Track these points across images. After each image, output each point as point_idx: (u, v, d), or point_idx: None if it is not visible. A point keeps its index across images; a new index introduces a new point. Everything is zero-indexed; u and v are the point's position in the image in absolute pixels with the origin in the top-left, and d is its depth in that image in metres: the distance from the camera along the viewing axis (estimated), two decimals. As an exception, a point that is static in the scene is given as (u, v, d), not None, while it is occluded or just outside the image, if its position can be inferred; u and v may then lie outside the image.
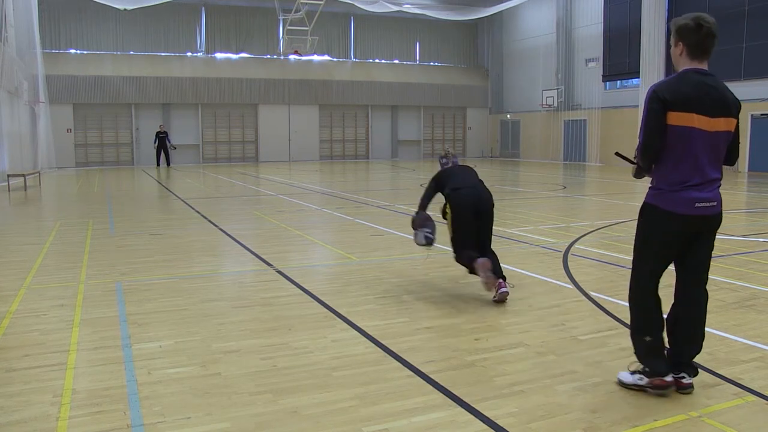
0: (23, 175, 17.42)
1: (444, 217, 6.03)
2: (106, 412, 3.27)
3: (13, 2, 19.94)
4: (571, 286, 5.99)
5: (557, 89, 30.08)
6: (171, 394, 3.51)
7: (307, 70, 32.12)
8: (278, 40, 31.28)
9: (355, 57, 33.80)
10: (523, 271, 6.60)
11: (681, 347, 3.53)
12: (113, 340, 4.43)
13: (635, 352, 3.58)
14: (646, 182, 3.65)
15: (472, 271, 5.46)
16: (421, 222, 6.19)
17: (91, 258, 7.41)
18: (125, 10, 26.73)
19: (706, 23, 3.27)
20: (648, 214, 3.51)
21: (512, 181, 20.30)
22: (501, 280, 5.36)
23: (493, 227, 5.90)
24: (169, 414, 3.26)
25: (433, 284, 6.15)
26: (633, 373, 3.54)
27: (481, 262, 5.31)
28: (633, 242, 3.69)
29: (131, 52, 29.54)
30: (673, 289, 3.63)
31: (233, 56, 31.21)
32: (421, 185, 17.77)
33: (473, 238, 5.68)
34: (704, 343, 3.57)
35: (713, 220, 3.43)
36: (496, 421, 3.17)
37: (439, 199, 6.18)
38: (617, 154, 3.96)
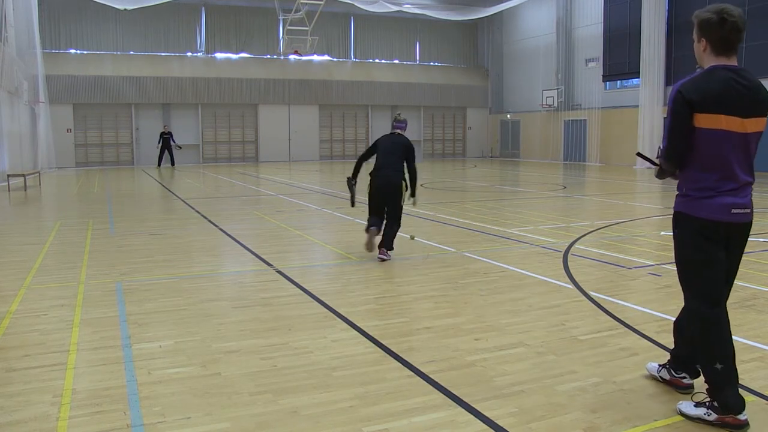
0: (23, 175, 17.41)
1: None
2: (106, 412, 3.27)
3: (13, 2, 19.93)
4: (571, 286, 5.99)
5: (557, 89, 30.07)
6: (171, 394, 3.51)
7: (307, 70, 32.12)
8: (278, 40, 31.27)
9: (355, 57, 33.80)
10: (523, 271, 6.60)
11: (690, 350, 3.42)
12: (113, 340, 4.43)
13: (705, 380, 3.24)
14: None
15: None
16: (349, 187, 7.98)
17: (91, 258, 7.41)
18: (125, 10, 26.73)
19: (731, 17, 3.03)
20: (683, 224, 3.26)
21: (512, 181, 20.30)
22: (383, 249, 7.25)
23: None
24: (169, 414, 3.26)
25: (433, 284, 6.15)
26: (698, 405, 3.21)
27: (371, 231, 7.33)
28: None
29: (131, 52, 29.53)
30: (673, 290, 3.62)
31: (233, 56, 31.20)
32: (421, 185, 17.77)
33: (378, 211, 7.48)
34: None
35: (746, 228, 3.20)
36: (496, 421, 3.17)
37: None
38: (639, 154, 3.75)
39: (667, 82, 24.90)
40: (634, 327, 4.68)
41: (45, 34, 26.49)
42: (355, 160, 7.99)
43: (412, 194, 7.64)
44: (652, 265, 6.92)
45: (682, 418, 3.21)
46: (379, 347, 4.27)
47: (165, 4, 27.54)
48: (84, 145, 28.35)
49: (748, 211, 3.15)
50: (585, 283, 6.09)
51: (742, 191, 3.12)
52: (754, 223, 3.26)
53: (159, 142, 27.25)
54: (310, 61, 32.13)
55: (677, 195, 3.30)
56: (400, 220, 7.51)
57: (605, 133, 27.87)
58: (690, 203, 3.19)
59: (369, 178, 7.59)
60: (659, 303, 5.33)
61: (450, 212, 11.50)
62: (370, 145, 7.86)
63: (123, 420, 3.19)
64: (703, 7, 3.21)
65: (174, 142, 27.46)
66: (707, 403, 3.17)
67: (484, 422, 3.17)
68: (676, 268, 3.35)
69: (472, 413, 3.27)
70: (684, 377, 3.49)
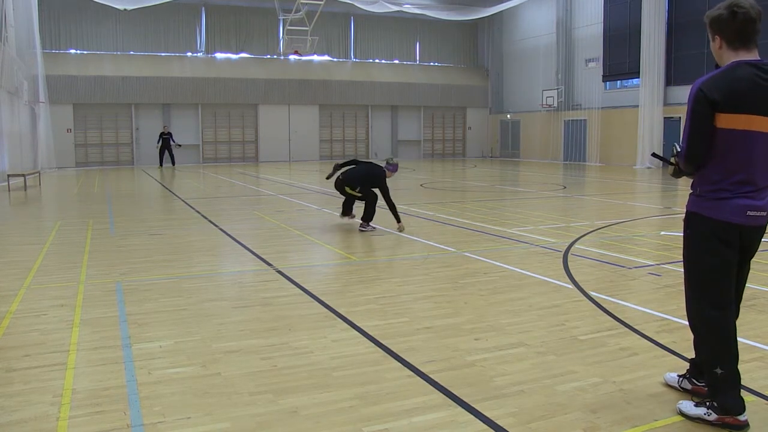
0: (23, 175, 17.41)
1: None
2: (106, 412, 3.27)
3: (13, 2, 19.94)
4: (571, 286, 5.99)
5: (557, 89, 30.07)
6: (171, 394, 3.51)
7: (307, 70, 32.13)
8: (278, 40, 31.28)
9: (355, 57, 33.81)
10: (523, 271, 6.60)
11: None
12: (113, 340, 4.43)
13: (705, 383, 3.25)
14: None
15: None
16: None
17: (91, 258, 7.41)
18: (125, 10, 26.73)
19: (740, 8, 2.93)
20: (695, 225, 3.14)
21: (512, 181, 20.31)
22: (362, 221, 9.42)
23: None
24: (169, 414, 3.26)
25: (433, 284, 6.15)
26: (698, 405, 3.20)
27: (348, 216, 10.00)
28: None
29: (131, 52, 29.54)
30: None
31: (233, 56, 31.21)
32: (421, 185, 17.77)
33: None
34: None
35: (761, 231, 3.11)
36: (496, 421, 3.17)
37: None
38: (654, 154, 3.69)
39: (667, 82, 24.91)
40: (634, 327, 4.68)
41: (45, 34, 26.49)
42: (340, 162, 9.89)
43: (397, 220, 9.27)
44: (652, 265, 6.92)
45: (682, 418, 3.21)
46: (379, 347, 4.27)
47: (165, 4, 27.54)
48: (84, 145, 28.36)
49: (765, 214, 3.05)
50: (585, 283, 6.09)
51: (759, 194, 3.02)
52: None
53: (158, 142, 27.25)
54: (310, 61, 32.14)
55: (691, 194, 3.20)
56: (369, 197, 9.45)
57: (605, 133, 27.87)
58: (704, 204, 3.08)
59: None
60: (659, 303, 5.32)
61: (450, 212, 11.50)
62: (352, 160, 9.89)
63: (123, 420, 3.19)
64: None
65: (174, 141, 27.47)
66: (707, 403, 3.16)
67: (484, 422, 3.17)
68: (683, 268, 3.29)
69: (472, 413, 3.27)
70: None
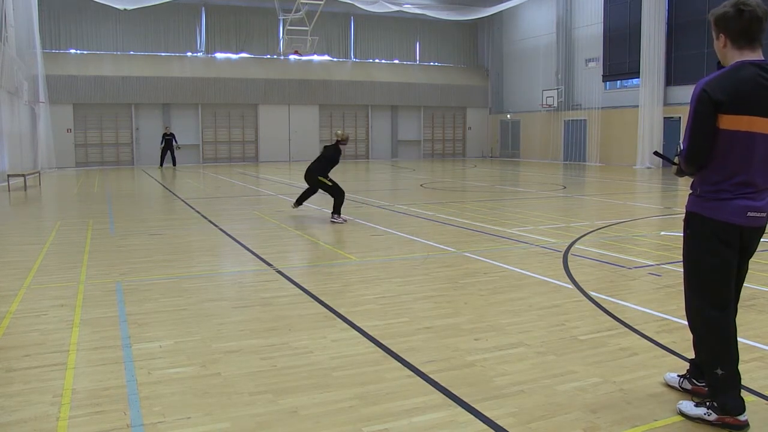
0: (23, 175, 17.41)
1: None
2: (106, 412, 3.27)
3: (13, 2, 19.93)
4: (571, 286, 5.99)
5: (557, 89, 30.07)
6: (171, 394, 3.51)
7: (307, 70, 32.13)
8: (278, 40, 31.28)
9: (355, 57, 33.81)
10: (523, 271, 6.60)
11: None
12: (113, 340, 4.43)
13: (706, 383, 3.26)
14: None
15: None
16: None
17: (91, 258, 7.41)
18: (125, 10, 26.73)
19: (747, 6, 2.90)
20: (695, 225, 3.12)
21: (512, 181, 20.30)
22: (333, 214, 10.32)
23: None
24: (169, 414, 3.26)
25: (433, 284, 6.15)
26: (698, 405, 3.19)
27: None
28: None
29: (131, 52, 29.54)
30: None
31: (233, 56, 31.20)
32: (421, 185, 17.76)
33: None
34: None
35: (761, 232, 3.10)
36: (496, 421, 3.17)
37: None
38: (656, 153, 3.65)
39: (667, 82, 24.91)
40: (634, 327, 4.68)
41: (45, 34, 26.49)
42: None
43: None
44: (652, 265, 6.92)
45: (682, 418, 3.21)
46: (379, 347, 4.27)
47: (165, 4, 27.55)
48: (84, 145, 28.35)
49: (764, 214, 3.05)
50: (585, 283, 6.09)
51: (759, 195, 3.02)
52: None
53: (162, 143, 27.26)
54: (310, 61, 32.14)
55: (690, 194, 3.19)
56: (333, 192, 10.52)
57: (605, 133, 27.87)
58: (705, 204, 3.07)
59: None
60: (659, 303, 5.32)
61: (450, 212, 11.50)
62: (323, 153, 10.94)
63: (123, 420, 3.19)
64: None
65: (176, 143, 27.50)
66: (707, 404, 3.16)
67: (484, 422, 3.17)
68: (683, 268, 3.29)
69: (472, 413, 3.27)
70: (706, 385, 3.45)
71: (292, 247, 8.32)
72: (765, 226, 3.12)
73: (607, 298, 5.52)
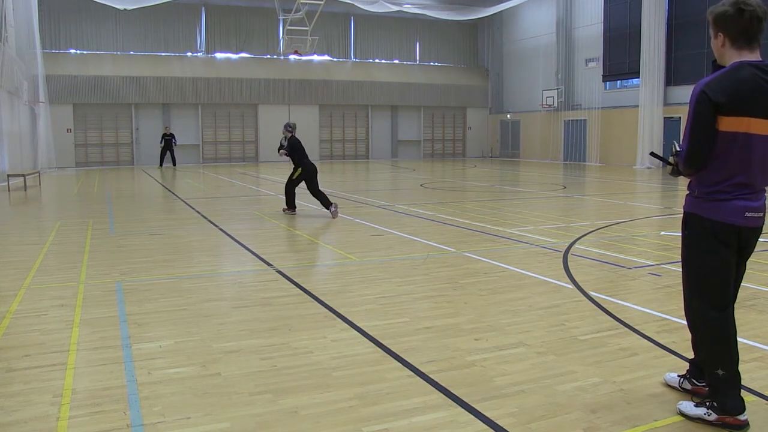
0: (23, 175, 17.41)
1: (294, 173, 11.55)
2: (106, 412, 3.27)
3: (13, 2, 19.93)
4: (571, 286, 5.99)
5: (557, 89, 30.08)
6: (171, 394, 3.51)
7: (307, 70, 32.13)
8: (278, 40, 31.28)
9: (355, 57, 33.81)
10: (523, 271, 6.60)
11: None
12: (113, 340, 4.43)
13: (706, 383, 3.26)
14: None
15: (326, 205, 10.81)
16: None
17: (91, 258, 7.41)
18: (125, 10, 26.73)
19: (748, 6, 2.87)
20: (693, 226, 3.12)
21: (512, 181, 20.30)
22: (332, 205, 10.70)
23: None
24: (169, 414, 3.26)
25: (433, 284, 6.15)
26: (698, 405, 3.19)
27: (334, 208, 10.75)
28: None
29: (131, 52, 29.54)
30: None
31: (233, 56, 31.21)
32: (421, 185, 17.77)
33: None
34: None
35: (758, 232, 3.10)
36: (496, 421, 3.17)
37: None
38: (652, 153, 3.63)
39: (667, 82, 24.92)
40: (634, 327, 4.68)
41: (45, 34, 26.48)
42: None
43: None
44: (652, 265, 6.92)
45: (682, 418, 3.21)
46: (379, 347, 4.27)
47: (165, 4, 27.55)
48: (84, 145, 28.35)
49: (762, 215, 3.04)
50: (585, 283, 6.09)
51: (756, 195, 3.01)
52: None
53: (161, 143, 27.27)
54: (310, 61, 32.14)
55: (688, 195, 3.17)
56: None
57: (605, 133, 27.87)
58: (702, 204, 3.06)
59: (298, 161, 11.60)
60: (659, 303, 5.32)
61: (450, 212, 11.51)
62: (294, 143, 11.66)
63: (123, 420, 3.19)
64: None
65: (176, 143, 27.51)
66: (707, 404, 3.16)
67: (484, 422, 3.17)
68: (681, 269, 3.28)
69: (472, 413, 3.27)
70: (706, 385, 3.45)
71: (292, 247, 8.32)
72: (762, 227, 3.12)
73: (607, 298, 5.52)
